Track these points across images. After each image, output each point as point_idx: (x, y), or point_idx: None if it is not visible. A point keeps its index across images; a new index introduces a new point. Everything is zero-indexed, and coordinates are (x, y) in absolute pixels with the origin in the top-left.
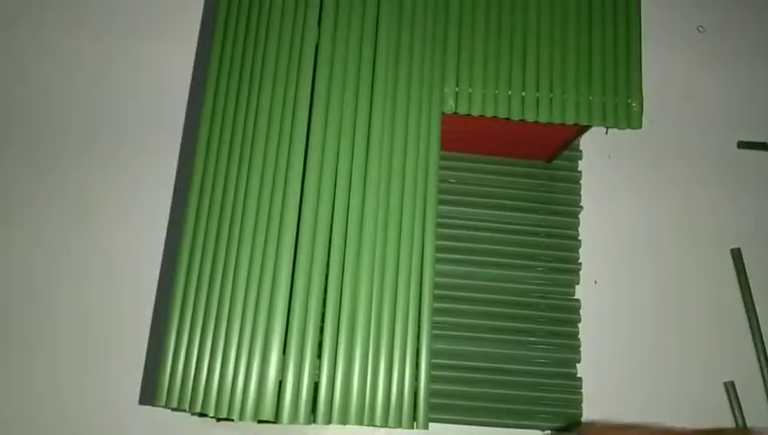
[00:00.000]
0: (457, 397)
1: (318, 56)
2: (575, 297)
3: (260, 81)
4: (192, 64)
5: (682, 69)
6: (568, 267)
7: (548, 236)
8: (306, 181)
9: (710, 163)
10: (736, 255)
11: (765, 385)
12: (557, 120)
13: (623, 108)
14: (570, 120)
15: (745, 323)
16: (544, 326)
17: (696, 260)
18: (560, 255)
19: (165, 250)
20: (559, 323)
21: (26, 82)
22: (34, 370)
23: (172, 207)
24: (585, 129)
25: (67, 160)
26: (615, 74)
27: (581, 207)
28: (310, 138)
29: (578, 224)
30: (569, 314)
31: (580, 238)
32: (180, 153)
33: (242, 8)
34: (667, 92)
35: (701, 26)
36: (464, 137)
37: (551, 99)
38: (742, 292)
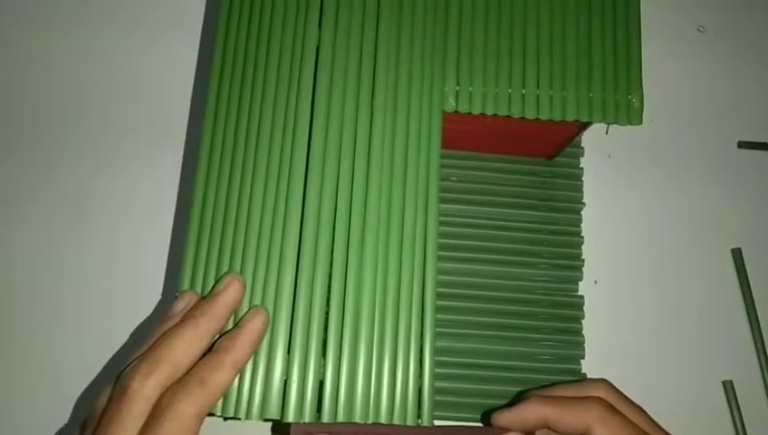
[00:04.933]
0: (461, 394)
1: (319, 57)
2: (578, 294)
3: (263, 84)
4: (195, 60)
5: (682, 69)
6: (571, 264)
7: (550, 233)
8: (309, 182)
9: (710, 163)
10: (737, 255)
11: (765, 385)
12: (557, 118)
13: (623, 104)
14: (570, 117)
15: (745, 323)
16: (548, 323)
17: (696, 260)
18: (563, 252)
19: (170, 251)
20: (562, 319)
21: (27, 82)
22: (37, 370)
23: (177, 208)
24: (586, 126)
25: (69, 160)
26: (615, 71)
27: (584, 204)
28: (312, 139)
29: (580, 221)
30: (572, 310)
31: (582, 235)
32: (185, 152)
33: (243, 9)
34: (666, 92)
35: (701, 26)
36: (465, 135)
37: (551, 96)
38: (742, 292)
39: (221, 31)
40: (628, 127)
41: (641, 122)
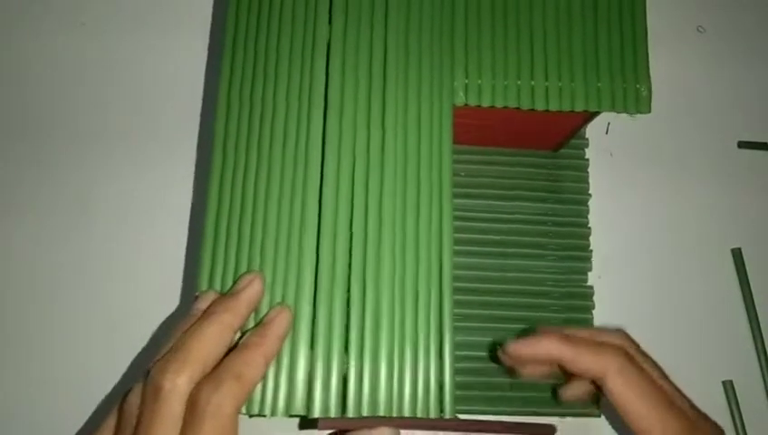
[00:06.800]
0: (470, 387)
1: (330, 55)
2: (588, 284)
3: (274, 81)
4: (205, 58)
5: (682, 69)
6: (579, 255)
7: (557, 224)
8: (324, 179)
9: (710, 163)
10: (736, 255)
11: (765, 385)
12: (567, 108)
13: (632, 93)
14: (579, 108)
15: (745, 323)
16: (558, 314)
17: (695, 260)
18: (571, 243)
19: (187, 251)
20: (572, 310)
21: (29, 81)
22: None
23: (192, 207)
24: (592, 116)
25: (70, 160)
26: (622, 60)
27: (590, 195)
28: (326, 136)
29: (587, 211)
30: (582, 300)
31: (590, 226)
32: (198, 149)
33: (252, 6)
34: (667, 92)
35: (701, 26)
36: (471, 129)
37: (560, 87)
38: (742, 292)
39: (230, 28)
40: (629, 127)
41: (650, 111)
